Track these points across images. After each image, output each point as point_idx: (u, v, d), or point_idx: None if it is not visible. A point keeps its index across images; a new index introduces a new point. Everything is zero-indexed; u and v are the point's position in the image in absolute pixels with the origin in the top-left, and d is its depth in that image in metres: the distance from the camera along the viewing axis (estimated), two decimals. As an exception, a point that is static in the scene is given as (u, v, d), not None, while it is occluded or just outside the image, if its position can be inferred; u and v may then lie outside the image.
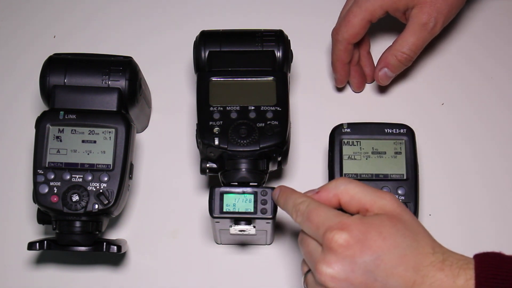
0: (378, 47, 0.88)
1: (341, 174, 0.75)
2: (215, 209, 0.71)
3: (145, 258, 0.81)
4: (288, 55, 0.78)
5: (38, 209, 0.74)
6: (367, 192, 0.62)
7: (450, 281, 0.58)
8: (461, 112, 0.88)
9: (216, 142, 0.72)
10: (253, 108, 0.74)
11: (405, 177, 0.74)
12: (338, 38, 0.83)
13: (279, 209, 0.71)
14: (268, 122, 0.73)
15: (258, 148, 0.72)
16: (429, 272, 0.58)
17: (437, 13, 0.81)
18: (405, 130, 0.76)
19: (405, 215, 0.61)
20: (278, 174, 0.84)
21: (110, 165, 0.73)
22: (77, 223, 0.72)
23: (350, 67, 0.86)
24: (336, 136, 0.76)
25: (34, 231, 0.82)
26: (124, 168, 0.73)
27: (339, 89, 0.89)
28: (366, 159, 0.75)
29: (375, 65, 0.87)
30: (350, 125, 0.76)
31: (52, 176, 0.72)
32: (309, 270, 0.64)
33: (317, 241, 0.61)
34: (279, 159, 0.75)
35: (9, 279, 0.80)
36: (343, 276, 0.58)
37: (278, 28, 0.80)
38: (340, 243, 0.58)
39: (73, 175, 0.72)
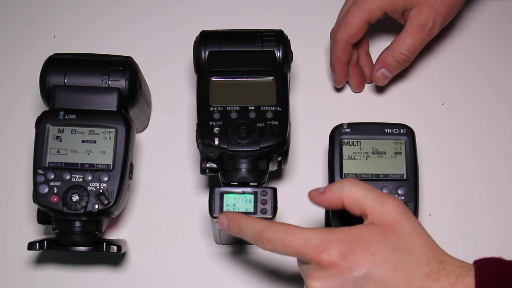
0: (377, 47, 0.88)
1: (341, 174, 0.75)
2: (215, 209, 0.71)
3: (145, 258, 0.81)
4: (288, 55, 0.78)
5: (38, 209, 0.74)
6: (371, 197, 0.61)
7: None
8: (461, 112, 0.88)
9: (216, 142, 0.72)
10: (253, 108, 0.74)
11: (405, 177, 0.74)
12: (337, 38, 0.83)
13: (279, 207, 0.71)
14: (268, 122, 0.73)
15: (258, 148, 0.72)
16: (423, 283, 0.57)
17: (435, 14, 0.81)
18: (405, 130, 0.76)
19: (404, 224, 0.60)
20: (278, 174, 0.84)
21: (110, 165, 0.73)
22: (77, 223, 0.72)
23: (349, 68, 0.86)
24: (336, 136, 0.76)
25: (34, 231, 0.82)
26: (124, 168, 0.73)
27: (339, 89, 0.89)
28: (366, 159, 0.75)
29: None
30: (350, 125, 0.76)
31: (52, 176, 0.72)
32: None
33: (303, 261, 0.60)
34: (279, 159, 0.75)
35: (9, 279, 0.80)
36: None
37: (278, 28, 0.80)
38: (328, 262, 0.58)
39: (73, 175, 0.72)
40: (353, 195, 0.62)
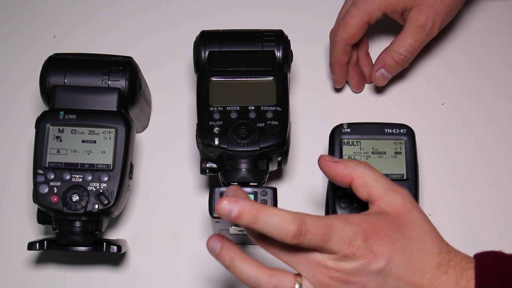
0: (377, 48, 0.88)
1: (341, 174, 0.75)
2: (215, 209, 0.71)
3: (145, 258, 0.81)
4: (288, 55, 0.79)
5: (38, 209, 0.74)
6: (382, 184, 0.61)
7: (453, 284, 0.58)
8: (461, 112, 0.88)
9: (216, 142, 0.72)
10: (253, 108, 0.74)
11: (405, 177, 0.74)
12: (336, 39, 0.83)
13: (279, 207, 0.71)
14: (268, 122, 0.73)
15: (258, 148, 0.72)
16: (435, 274, 0.58)
17: (434, 15, 0.81)
18: (405, 130, 0.76)
19: (414, 213, 0.60)
20: (278, 174, 0.84)
21: (110, 165, 0.73)
22: (77, 223, 0.72)
23: (348, 68, 0.86)
24: (336, 136, 0.76)
25: (34, 231, 0.82)
26: (124, 168, 0.73)
27: (339, 89, 0.89)
28: (366, 159, 0.75)
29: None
30: (350, 125, 0.76)
31: (52, 176, 0.72)
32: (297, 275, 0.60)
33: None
34: (279, 159, 0.75)
35: (9, 279, 0.80)
36: (357, 280, 0.58)
37: (278, 28, 0.80)
38: (354, 253, 0.57)
39: (73, 175, 0.72)
40: (365, 177, 0.61)
